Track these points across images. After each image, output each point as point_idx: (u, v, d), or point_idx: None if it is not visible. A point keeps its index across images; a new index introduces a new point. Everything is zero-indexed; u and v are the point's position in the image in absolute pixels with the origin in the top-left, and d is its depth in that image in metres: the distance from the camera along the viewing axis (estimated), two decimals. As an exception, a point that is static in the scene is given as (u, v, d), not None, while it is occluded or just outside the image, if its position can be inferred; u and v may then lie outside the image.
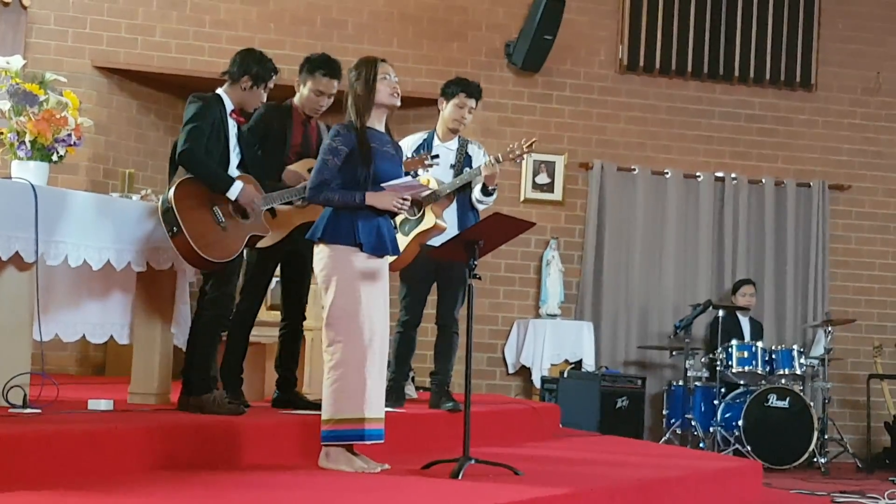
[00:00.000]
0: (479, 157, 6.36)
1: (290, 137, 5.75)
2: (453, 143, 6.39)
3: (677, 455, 6.92)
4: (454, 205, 6.23)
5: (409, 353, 6.37)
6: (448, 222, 6.13)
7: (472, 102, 6.34)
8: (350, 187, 4.63)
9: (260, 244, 5.62)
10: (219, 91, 5.35)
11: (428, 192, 5.45)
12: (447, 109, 6.36)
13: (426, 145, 6.34)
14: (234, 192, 5.16)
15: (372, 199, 4.64)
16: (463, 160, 6.33)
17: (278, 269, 5.93)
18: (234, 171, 5.30)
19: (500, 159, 6.12)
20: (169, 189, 5.10)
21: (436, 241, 5.99)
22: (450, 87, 6.39)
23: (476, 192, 6.24)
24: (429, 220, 6.03)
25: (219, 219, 5.14)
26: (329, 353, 4.58)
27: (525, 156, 6.23)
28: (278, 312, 6.07)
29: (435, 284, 6.36)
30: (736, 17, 10.04)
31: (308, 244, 5.90)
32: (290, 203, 5.59)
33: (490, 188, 6.20)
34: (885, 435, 9.30)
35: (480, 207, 6.32)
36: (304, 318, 5.96)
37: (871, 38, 10.34)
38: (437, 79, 6.98)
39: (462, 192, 6.25)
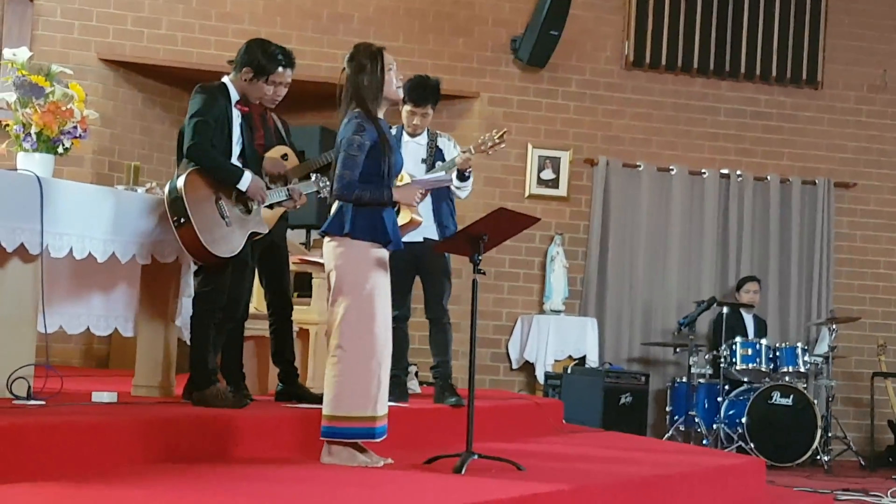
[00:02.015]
0: (449, 149, 6.34)
1: (254, 130, 5.68)
2: (423, 138, 6.36)
3: (680, 452, 6.91)
4: (428, 198, 6.13)
5: (405, 347, 6.34)
6: (423, 216, 6.08)
7: (423, 109, 6.25)
8: (371, 181, 4.58)
9: None
10: (224, 80, 5.32)
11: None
12: (402, 112, 6.31)
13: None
14: (244, 183, 5.15)
15: (398, 194, 4.64)
16: (434, 154, 6.32)
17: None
18: (235, 161, 5.28)
19: (473, 151, 6.13)
20: (178, 178, 5.08)
21: (415, 236, 6.02)
22: (404, 90, 6.18)
23: (454, 181, 6.22)
24: (405, 215, 5.94)
25: (224, 214, 5.13)
26: (342, 350, 4.50)
27: (496, 147, 6.21)
28: None
29: (419, 280, 6.36)
30: (742, 13, 10.01)
31: (283, 235, 5.86)
32: (289, 198, 5.56)
33: (465, 173, 6.19)
34: (888, 433, 9.30)
35: (462, 194, 6.32)
36: (291, 308, 5.92)
37: (878, 36, 10.32)
38: (442, 74, 6.97)
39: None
